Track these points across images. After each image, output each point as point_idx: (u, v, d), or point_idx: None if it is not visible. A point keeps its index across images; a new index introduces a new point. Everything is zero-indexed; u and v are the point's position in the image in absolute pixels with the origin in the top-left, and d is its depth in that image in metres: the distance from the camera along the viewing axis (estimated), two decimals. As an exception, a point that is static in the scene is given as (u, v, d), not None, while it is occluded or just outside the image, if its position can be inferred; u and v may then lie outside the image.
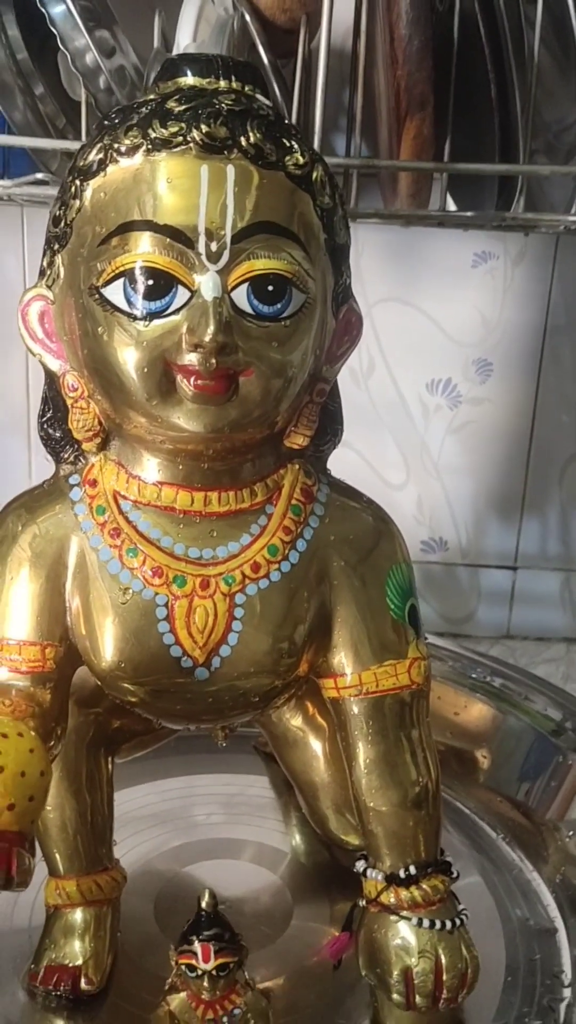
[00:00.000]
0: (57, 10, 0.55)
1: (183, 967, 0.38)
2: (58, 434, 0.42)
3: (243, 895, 0.51)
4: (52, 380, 0.41)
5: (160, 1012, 0.39)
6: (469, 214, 0.58)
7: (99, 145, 0.36)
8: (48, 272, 0.39)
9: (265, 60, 0.57)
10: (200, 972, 0.37)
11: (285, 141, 0.36)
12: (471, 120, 0.58)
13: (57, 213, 0.38)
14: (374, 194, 0.71)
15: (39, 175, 0.54)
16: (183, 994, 0.39)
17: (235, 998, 0.38)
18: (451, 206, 0.64)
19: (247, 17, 0.57)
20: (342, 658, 0.42)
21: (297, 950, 0.48)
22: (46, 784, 0.32)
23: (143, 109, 0.36)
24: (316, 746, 0.53)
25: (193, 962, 0.37)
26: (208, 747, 0.55)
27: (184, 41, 0.53)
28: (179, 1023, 0.39)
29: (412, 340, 0.82)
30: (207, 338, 0.34)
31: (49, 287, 0.39)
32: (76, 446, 0.41)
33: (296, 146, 0.36)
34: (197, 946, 0.37)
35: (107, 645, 0.40)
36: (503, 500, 0.87)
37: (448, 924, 0.42)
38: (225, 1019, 0.38)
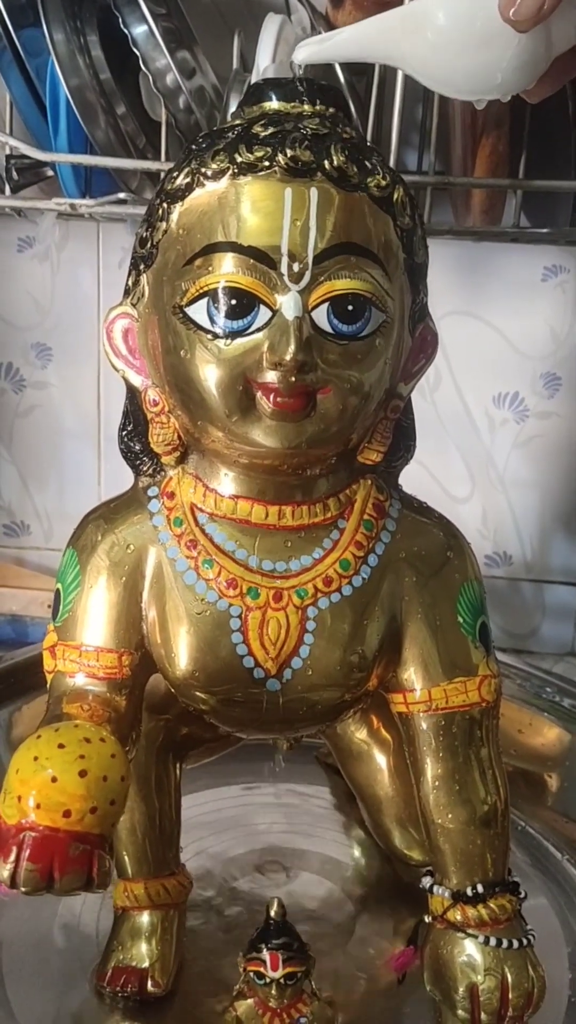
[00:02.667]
0: (139, 31, 0.57)
1: (251, 974, 0.38)
2: (138, 447, 0.43)
3: (305, 906, 0.52)
4: (134, 395, 0.42)
5: (228, 1017, 0.40)
6: (544, 230, 0.58)
7: (187, 169, 0.37)
8: (133, 291, 0.40)
9: (341, 79, 0.57)
10: (268, 980, 0.38)
11: (367, 163, 0.37)
12: (546, 137, 0.58)
13: (144, 234, 0.39)
14: (446, 208, 0.71)
15: (121, 195, 0.55)
16: (250, 1000, 0.39)
17: (302, 1007, 0.39)
18: (524, 221, 0.64)
19: (324, 37, 0.57)
20: (412, 674, 0.42)
21: (360, 963, 0.48)
22: (126, 789, 0.32)
23: (229, 134, 0.37)
24: (381, 759, 0.53)
25: (261, 969, 0.38)
26: (271, 757, 0.56)
27: (264, 62, 0.54)
28: (245, 1029, 0.39)
29: (479, 353, 0.82)
30: (288, 356, 0.35)
31: (134, 305, 0.40)
32: (155, 459, 0.42)
33: (378, 168, 0.37)
34: (266, 954, 0.38)
35: (182, 654, 0.41)
36: (569, 515, 0.86)
37: (515, 943, 0.42)
38: (291, 1027, 0.39)
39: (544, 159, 0.59)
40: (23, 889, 0.31)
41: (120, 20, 0.56)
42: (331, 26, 0.58)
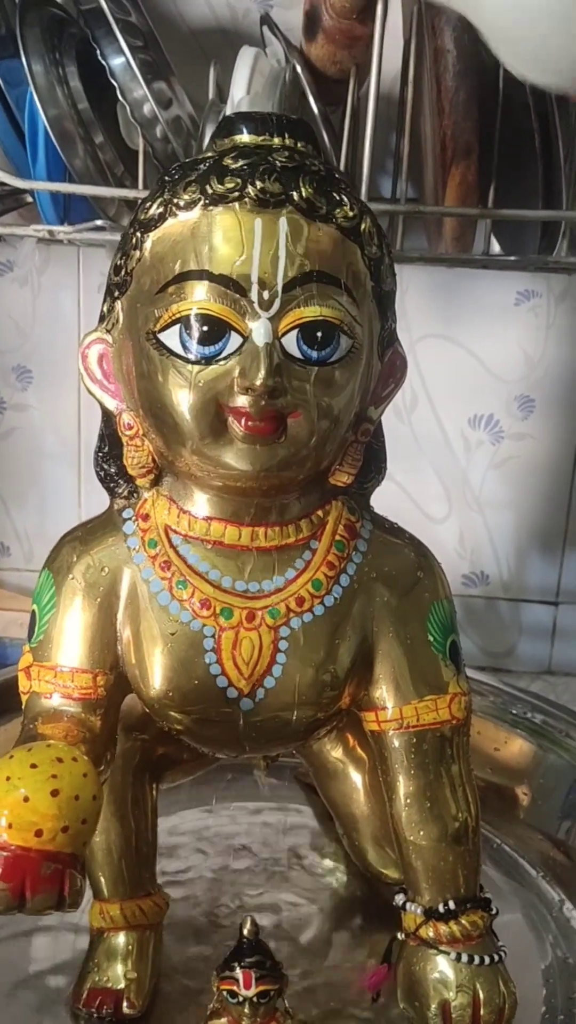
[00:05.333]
0: (117, 62, 0.58)
1: (225, 993, 0.38)
2: (113, 470, 0.43)
3: (281, 925, 0.52)
4: (109, 419, 0.43)
5: (201, 1037, 0.40)
6: (512, 258, 0.59)
7: (160, 200, 0.38)
8: (108, 317, 0.41)
9: (315, 110, 0.59)
10: (241, 999, 0.38)
11: (335, 195, 0.38)
12: (515, 167, 0.59)
13: (118, 262, 0.40)
14: (419, 234, 0.72)
15: (98, 222, 0.56)
16: (224, 1020, 0.39)
17: (275, 1025, 0.39)
18: (495, 248, 0.66)
19: (298, 69, 0.59)
20: (383, 692, 0.43)
21: (335, 981, 0.48)
22: (98, 808, 0.33)
23: (201, 166, 0.38)
24: (356, 778, 0.53)
25: (235, 988, 0.38)
26: (250, 776, 0.56)
27: (239, 93, 0.55)
28: (219, 1048, 0.39)
29: (455, 376, 0.83)
30: (258, 381, 0.36)
31: (108, 331, 0.41)
32: (130, 482, 0.43)
33: (346, 199, 0.38)
34: (239, 972, 0.38)
35: (156, 674, 0.41)
36: (545, 535, 0.87)
37: (487, 959, 0.42)
38: (265, 1046, 0.39)
39: (515, 189, 0.60)
40: (-6, 908, 0.31)
41: (98, 52, 0.58)
42: (305, 59, 0.60)
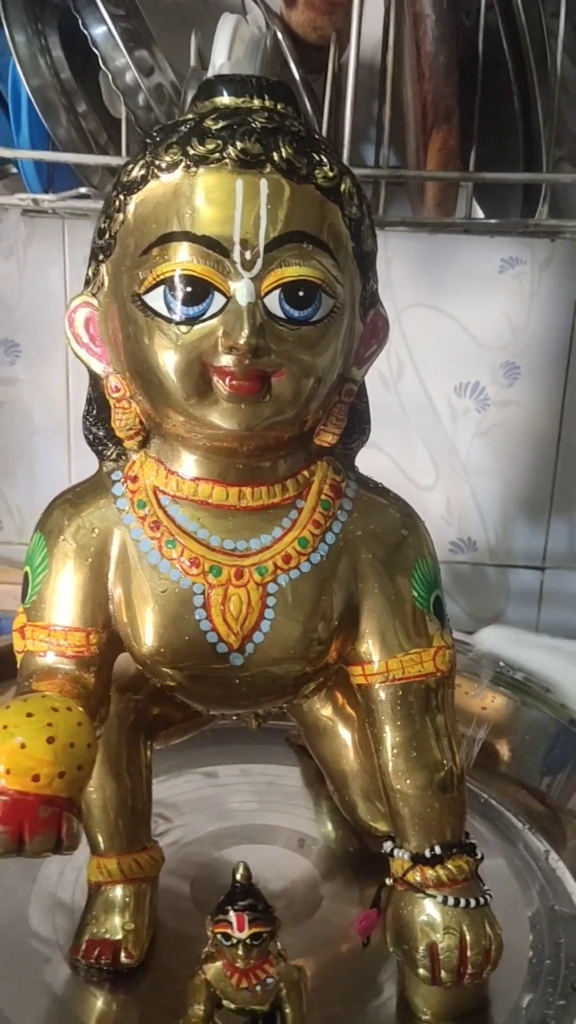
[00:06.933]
0: (98, 31, 0.58)
1: (219, 936, 0.39)
2: (101, 433, 0.44)
3: (276, 879, 0.53)
4: (96, 382, 0.43)
5: (196, 981, 0.41)
6: (493, 221, 0.60)
7: (141, 162, 0.38)
8: (93, 281, 0.42)
9: (296, 76, 0.59)
10: (235, 941, 0.39)
11: (315, 155, 0.38)
12: (496, 131, 0.59)
13: (102, 226, 0.40)
14: (402, 203, 0.73)
15: (82, 189, 0.57)
16: (219, 963, 0.41)
17: (268, 967, 0.40)
18: (478, 213, 0.66)
19: (279, 35, 0.59)
20: (369, 646, 0.44)
21: (327, 930, 0.50)
22: (93, 755, 0.34)
23: (182, 128, 0.38)
24: (345, 735, 0.55)
25: (228, 931, 0.39)
26: (243, 739, 0.58)
27: (220, 60, 0.55)
28: (215, 991, 0.41)
29: (440, 344, 0.84)
30: (241, 340, 0.37)
31: (94, 295, 0.42)
32: (118, 444, 0.44)
33: (326, 160, 0.38)
34: (232, 915, 0.39)
35: (147, 632, 0.42)
36: (531, 501, 0.88)
37: (472, 902, 0.43)
38: (259, 987, 0.40)
39: (496, 153, 0.61)
40: (-6, 851, 0.32)
41: (80, 21, 0.58)
42: (285, 25, 0.60)
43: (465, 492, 0.88)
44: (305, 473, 0.43)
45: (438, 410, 0.86)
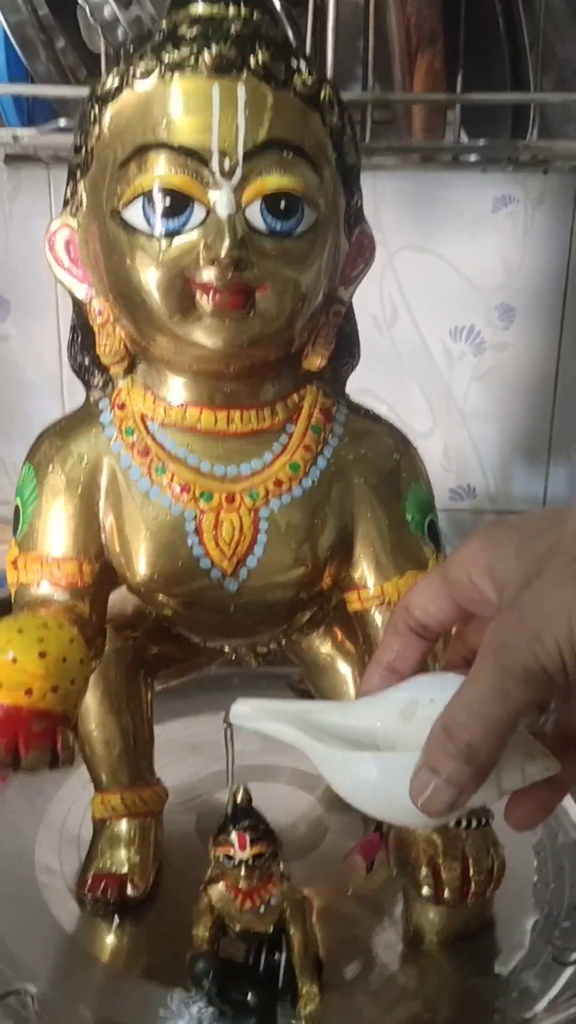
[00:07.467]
0: (75, -35, 0.57)
1: (221, 857, 0.39)
2: (87, 361, 0.44)
3: (281, 813, 0.53)
4: (79, 308, 0.43)
5: (201, 904, 0.41)
6: (482, 143, 0.59)
7: (116, 71, 0.38)
8: (72, 200, 0.41)
9: (277, 5, 0.58)
10: (237, 861, 0.39)
11: (294, 61, 0.38)
12: (482, 56, 0.58)
13: (78, 142, 0.40)
14: (391, 136, 0.71)
15: (62, 122, 0.56)
16: (221, 885, 0.41)
17: (271, 888, 0.40)
18: (465, 140, 0.65)
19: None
20: (364, 571, 0.44)
21: (333, 858, 0.50)
22: (87, 672, 0.34)
23: (157, 36, 0.37)
24: (345, 670, 0.54)
25: (230, 852, 0.39)
26: (246, 685, 0.57)
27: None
28: (219, 913, 0.41)
29: (434, 288, 0.83)
30: (223, 253, 0.36)
31: (73, 215, 0.41)
32: (104, 371, 0.43)
33: (304, 67, 0.38)
34: (234, 836, 0.39)
35: (140, 559, 0.42)
36: (530, 445, 0.87)
37: (474, 822, 0.43)
38: (262, 908, 0.40)
39: (483, 79, 0.60)
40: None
41: (55, -45, 0.57)
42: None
43: (463, 437, 0.87)
44: (295, 397, 0.43)
45: (433, 355, 0.85)
